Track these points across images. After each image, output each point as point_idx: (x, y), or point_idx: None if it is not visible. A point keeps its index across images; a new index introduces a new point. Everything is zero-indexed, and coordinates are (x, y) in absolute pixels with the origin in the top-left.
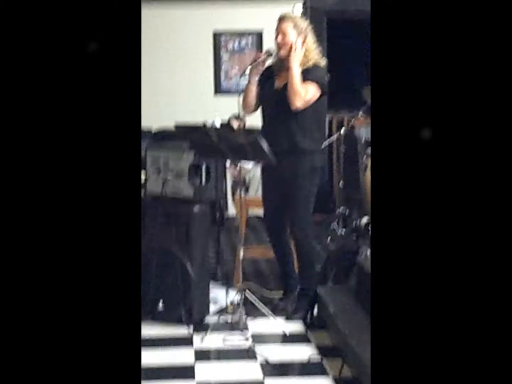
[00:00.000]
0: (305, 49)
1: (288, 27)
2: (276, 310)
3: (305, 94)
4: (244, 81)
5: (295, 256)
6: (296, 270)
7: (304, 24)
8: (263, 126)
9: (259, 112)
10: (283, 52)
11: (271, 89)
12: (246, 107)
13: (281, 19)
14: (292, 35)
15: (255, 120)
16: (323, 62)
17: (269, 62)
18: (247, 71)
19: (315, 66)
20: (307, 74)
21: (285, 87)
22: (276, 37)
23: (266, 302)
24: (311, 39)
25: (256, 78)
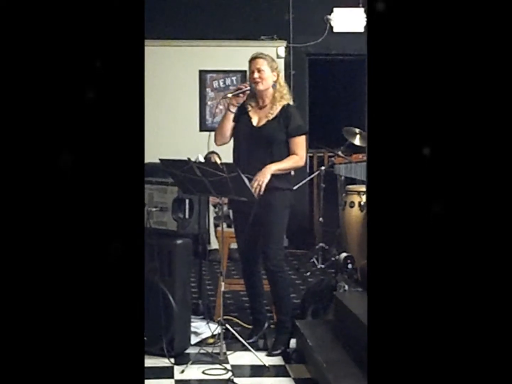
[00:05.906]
0: (280, 86)
1: (264, 64)
2: (252, 344)
3: (302, 153)
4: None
5: (270, 289)
6: (271, 305)
7: (276, 63)
8: (236, 160)
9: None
10: (261, 87)
11: (248, 126)
12: (221, 137)
13: (255, 57)
14: (267, 72)
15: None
16: (292, 101)
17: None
18: (230, 95)
19: (289, 106)
20: (293, 130)
21: (265, 126)
22: (252, 73)
23: (246, 335)
24: (282, 77)
25: (234, 109)
